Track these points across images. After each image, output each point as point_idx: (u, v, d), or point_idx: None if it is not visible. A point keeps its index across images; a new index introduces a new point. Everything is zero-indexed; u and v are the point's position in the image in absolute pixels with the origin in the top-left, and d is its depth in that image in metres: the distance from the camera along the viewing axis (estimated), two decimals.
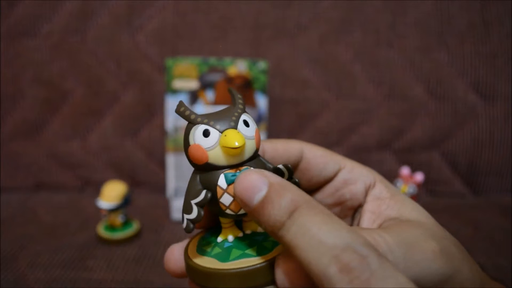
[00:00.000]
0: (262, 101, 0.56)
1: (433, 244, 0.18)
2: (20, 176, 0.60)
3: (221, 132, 0.18)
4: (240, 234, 0.20)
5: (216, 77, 0.55)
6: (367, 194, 0.23)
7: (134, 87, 0.59)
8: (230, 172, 0.18)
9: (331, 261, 0.14)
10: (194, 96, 0.56)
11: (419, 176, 0.51)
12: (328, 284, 0.14)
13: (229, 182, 0.18)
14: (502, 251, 0.44)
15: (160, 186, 0.59)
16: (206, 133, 0.18)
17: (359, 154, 0.59)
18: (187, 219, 0.18)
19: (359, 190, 0.23)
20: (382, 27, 0.58)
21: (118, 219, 0.46)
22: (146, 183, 0.60)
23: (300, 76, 0.59)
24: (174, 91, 0.56)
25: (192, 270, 0.19)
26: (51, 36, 0.58)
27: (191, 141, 0.18)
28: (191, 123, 0.19)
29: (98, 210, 0.47)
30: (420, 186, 0.51)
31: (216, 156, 0.18)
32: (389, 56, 0.58)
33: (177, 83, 0.55)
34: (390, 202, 0.22)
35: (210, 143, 0.18)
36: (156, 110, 0.59)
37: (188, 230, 0.18)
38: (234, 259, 0.18)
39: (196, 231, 0.21)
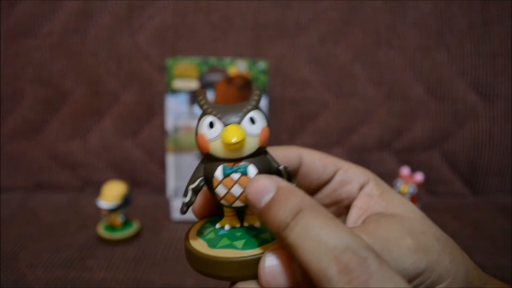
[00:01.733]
0: (262, 101, 0.55)
1: (409, 241, 0.19)
2: (20, 176, 0.60)
3: (225, 125, 0.19)
4: (238, 225, 0.21)
5: (216, 77, 0.55)
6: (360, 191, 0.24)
7: (134, 87, 0.59)
8: (228, 165, 0.19)
9: (331, 261, 0.15)
10: (194, 96, 0.56)
11: (419, 176, 0.51)
12: (327, 284, 0.15)
13: (225, 175, 0.19)
14: (502, 251, 0.44)
15: (160, 186, 0.59)
16: (211, 125, 0.19)
17: (359, 154, 0.59)
18: (182, 202, 0.19)
19: (354, 189, 0.24)
20: (382, 27, 0.58)
21: (118, 219, 0.46)
22: (146, 183, 0.60)
23: (300, 76, 0.59)
24: (174, 91, 0.56)
25: (185, 249, 0.20)
26: (51, 36, 0.58)
27: (198, 131, 0.19)
28: (203, 113, 0.20)
29: (98, 210, 0.47)
30: (420, 186, 0.51)
31: (216, 148, 0.19)
32: (389, 56, 0.58)
33: (177, 83, 0.55)
34: (378, 199, 0.23)
35: (213, 134, 0.19)
36: (156, 110, 0.59)
37: (182, 212, 0.19)
38: (220, 247, 0.19)
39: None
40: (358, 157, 0.59)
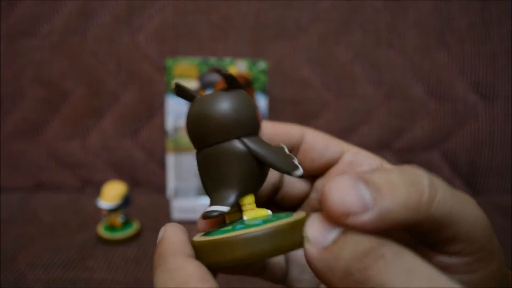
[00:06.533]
0: (262, 101, 0.56)
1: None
2: (20, 176, 0.60)
3: None
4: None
5: (216, 77, 0.55)
6: None
7: (134, 87, 0.59)
8: None
9: None
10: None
11: None
12: None
13: None
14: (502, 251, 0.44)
15: (160, 186, 0.59)
16: None
17: None
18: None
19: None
20: (382, 27, 0.58)
21: (118, 219, 0.46)
22: (146, 183, 0.60)
23: (300, 76, 0.59)
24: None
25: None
26: (51, 36, 0.58)
27: None
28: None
29: (98, 210, 0.47)
30: None
31: None
32: (389, 56, 0.58)
33: None
34: None
35: None
36: (156, 110, 0.59)
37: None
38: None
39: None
40: None
